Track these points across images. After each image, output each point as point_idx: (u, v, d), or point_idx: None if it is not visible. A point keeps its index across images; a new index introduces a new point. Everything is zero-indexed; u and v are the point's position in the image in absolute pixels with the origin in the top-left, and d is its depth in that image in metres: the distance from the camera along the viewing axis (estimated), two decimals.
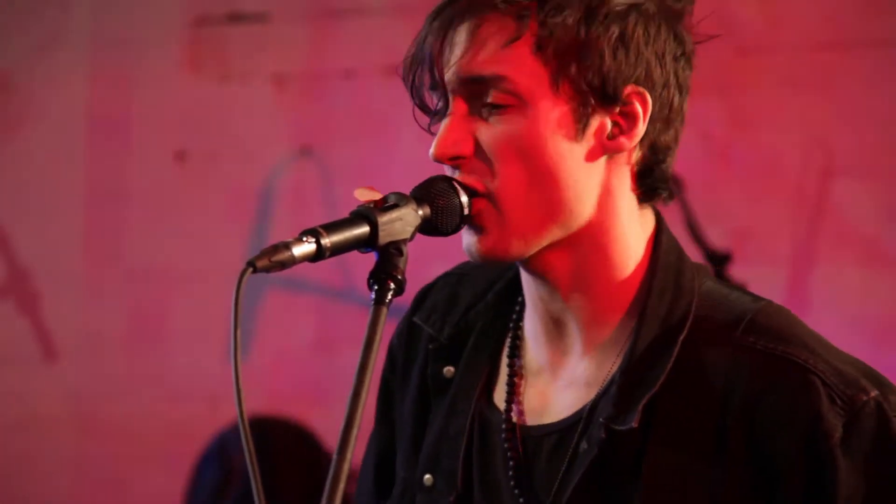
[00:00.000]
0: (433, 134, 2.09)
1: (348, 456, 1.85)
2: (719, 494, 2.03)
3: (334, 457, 1.85)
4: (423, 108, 2.11)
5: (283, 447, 4.16)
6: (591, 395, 2.11)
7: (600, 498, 2.06)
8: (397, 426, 2.30)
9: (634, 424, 2.03)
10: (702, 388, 2.06)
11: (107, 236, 4.94)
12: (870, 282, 4.23)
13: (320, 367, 4.72)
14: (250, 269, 1.93)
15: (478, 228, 2.07)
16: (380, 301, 1.93)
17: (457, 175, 2.06)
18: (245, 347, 4.81)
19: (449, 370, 2.22)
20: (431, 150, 2.07)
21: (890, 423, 2.01)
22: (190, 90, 4.90)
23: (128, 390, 4.88)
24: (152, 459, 4.83)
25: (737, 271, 3.92)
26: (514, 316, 2.22)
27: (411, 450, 2.24)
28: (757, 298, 2.12)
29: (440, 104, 2.09)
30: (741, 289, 2.16)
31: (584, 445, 2.07)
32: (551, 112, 2.04)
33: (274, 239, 4.71)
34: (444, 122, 2.06)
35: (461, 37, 2.05)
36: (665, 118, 2.09)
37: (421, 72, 2.08)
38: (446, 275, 2.32)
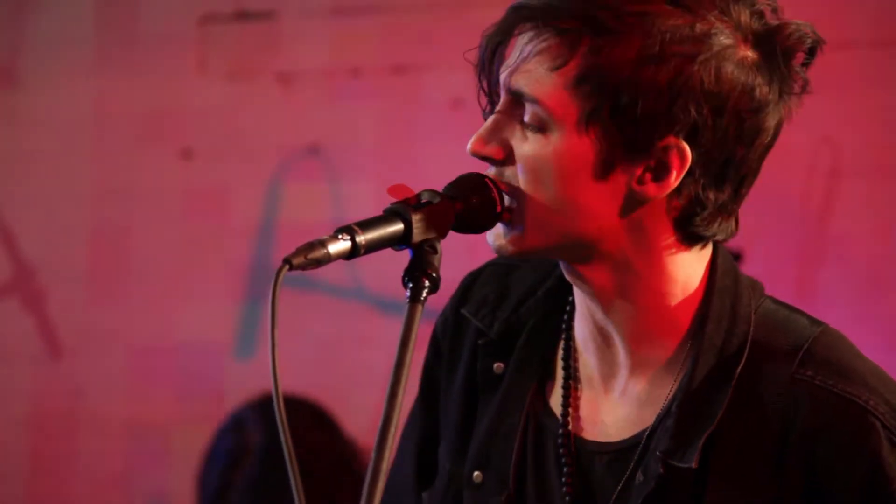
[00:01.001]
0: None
1: (387, 454, 1.84)
2: None
3: (373, 454, 1.84)
4: (490, 99, 2.08)
5: (301, 423, 4.18)
6: (645, 416, 2.08)
7: None
8: (442, 415, 2.28)
9: (694, 465, 2.00)
10: (759, 422, 2.02)
11: (113, 235, 4.93)
12: (877, 282, 4.22)
13: (328, 366, 4.71)
14: (287, 267, 1.92)
15: (504, 221, 2.05)
16: (415, 299, 1.92)
17: (489, 172, 2.05)
18: (249, 345, 4.80)
19: (499, 366, 2.20)
20: (468, 145, 2.06)
21: None
22: (196, 88, 4.89)
23: (133, 388, 4.88)
24: (158, 457, 4.82)
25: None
26: (566, 317, 2.19)
27: (458, 443, 2.22)
28: (814, 322, 2.08)
29: (496, 95, 2.06)
30: (797, 310, 2.11)
31: (640, 477, 2.04)
32: (577, 147, 1.98)
33: (280, 239, 4.73)
34: (489, 120, 2.05)
35: (520, 42, 2.02)
36: (716, 176, 2.00)
37: (488, 60, 2.06)
38: (493, 264, 2.29)
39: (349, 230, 1.94)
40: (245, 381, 4.67)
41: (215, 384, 4.80)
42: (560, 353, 2.18)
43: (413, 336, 1.89)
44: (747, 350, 2.05)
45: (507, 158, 2.03)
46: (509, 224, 2.04)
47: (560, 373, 2.18)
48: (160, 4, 4.93)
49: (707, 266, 2.09)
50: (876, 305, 4.19)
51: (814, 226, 4.31)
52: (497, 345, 2.21)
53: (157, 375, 4.86)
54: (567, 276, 2.11)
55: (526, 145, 2.01)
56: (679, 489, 2.02)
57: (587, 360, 2.16)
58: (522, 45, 2.01)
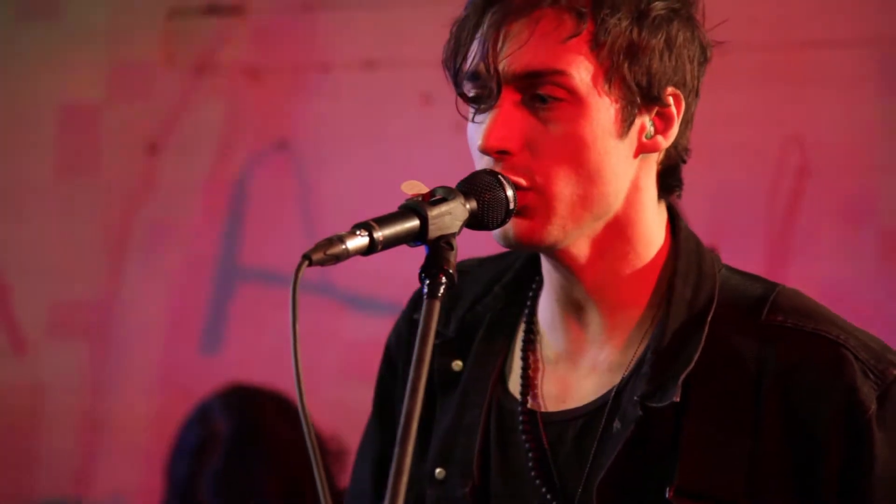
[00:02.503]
0: (476, 122, 2.11)
1: (409, 449, 1.84)
2: (758, 468, 2.05)
3: (395, 450, 1.84)
4: (464, 96, 2.14)
5: (267, 414, 4.19)
6: (615, 379, 2.13)
7: (636, 477, 2.08)
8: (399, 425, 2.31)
9: (676, 399, 2.06)
10: (734, 365, 2.09)
11: (78, 228, 4.91)
12: (843, 281, 4.24)
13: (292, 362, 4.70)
14: (306, 263, 1.95)
15: (519, 213, 2.08)
16: (433, 295, 1.94)
17: (499, 168, 2.08)
18: (215, 341, 4.80)
19: (457, 364, 2.24)
20: (479, 143, 2.09)
21: None
22: (164, 82, 4.88)
23: (98, 383, 4.86)
24: (123, 453, 4.81)
25: None
26: (528, 304, 2.24)
27: (417, 446, 2.18)
28: (771, 283, 2.18)
29: (482, 94, 2.11)
30: (755, 275, 2.21)
31: (617, 425, 2.09)
32: (602, 110, 2.07)
33: (247, 234, 4.73)
34: (493, 114, 2.08)
35: (519, 30, 2.07)
36: (687, 121, 2.15)
37: (469, 60, 2.11)
38: None
39: (367, 226, 1.96)
40: (211, 376, 4.67)
41: (181, 379, 4.79)
42: (519, 339, 2.23)
43: (432, 332, 1.90)
44: (715, 302, 2.13)
45: (524, 149, 2.08)
46: (526, 216, 2.08)
47: (519, 357, 2.22)
48: None
49: (666, 226, 2.19)
50: (841, 304, 4.21)
51: (781, 224, 4.33)
52: (454, 343, 2.26)
53: (123, 370, 4.85)
54: (550, 260, 2.16)
55: (546, 124, 2.07)
56: (658, 433, 2.07)
57: (554, 340, 2.20)
58: (522, 30, 2.07)
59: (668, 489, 2.04)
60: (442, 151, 4.58)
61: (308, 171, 4.77)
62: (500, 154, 2.08)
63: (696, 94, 2.16)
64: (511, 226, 2.09)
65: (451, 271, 1.95)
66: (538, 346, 2.22)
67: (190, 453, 4.11)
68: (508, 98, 2.08)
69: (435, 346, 2.19)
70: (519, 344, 2.24)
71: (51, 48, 4.95)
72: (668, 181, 2.18)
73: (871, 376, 2.07)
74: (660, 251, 2.16)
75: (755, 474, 2.05)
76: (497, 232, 2.11)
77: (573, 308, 2.17)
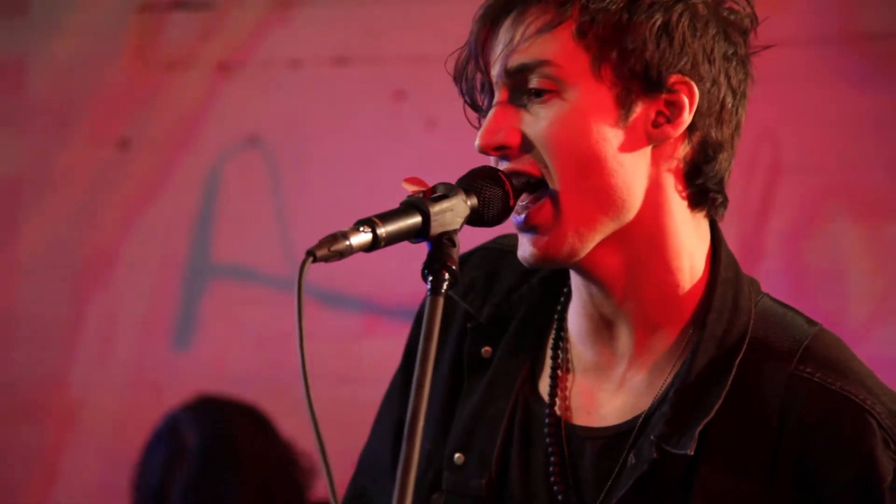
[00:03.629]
0: (480, 127, 2.10)
1: (417, 444, 1.85)
2: None
3: (403, 445, 1.85)
4: (475, 107, 2.14)
5: (236, 426, 4.18)
6: (641, 404, 2.11)
7: None
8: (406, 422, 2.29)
9: (690, 452, 2.03)
10: (756, 414, 2.06)
11: (48, 224, 4.90)
12: (817, 279, 4.25)
13: (267, 359, 4.71)
14: (310, 259, 1.93)
15: (532, 229, 2.08)
16: (436, 291, 1.93)
17: (503, 165, 2.08)
18: (187, 337, 4.79)
19: (487, 350, 2.22)
20: (477, 141, 2.09)
21: None
22: (134, 77, 4.87)
23: (69, 378, 4.85)
24: (93, 449, 4.80)
25: None
26: (559, 307, 2.22)
27: (440, 424, 2.23)
28: (810, 322, 2.13)
29: (488, 102, 2.11)
30: (794, 309, 2.16)
31: (632, 460, 2.07)
32: (593, 96, 2.05)
33: (218, 228, 4.73)
34: (489, 113, 2.08)
35: (505, 29, 2.08)
36: (717, 116, 2.09)
37: (472, 71, 2.11)
38: (484, 248, 2.32)
39: (370, 223, 1.95)
40: (182, 372, 4.67)
41: (153, 376, 4.78)
42: (550, 342, 2.21)
43: (436, 329, 1.90)
44: (746, 343, 2.09)
45: (522, 145, 2.08)
46: (533, 227, 2.08)
47: (549, 361, 2.20)
48: None
49: (708, 252, 2.14)
50: (815, 303, 4.23)
51: (753, 221, 4.34)
52: (486, 329, 2.24)
53: (94, 366, 4.85)
54: (578, 273, 2.14)
55: (539, 117, 2.06)
56: (671, 475, 2.05)
57: (581, 351, 2.18)
58: (508, 30, 2.08)
59: None
60: (413, 148, 4.59)
61: (279, 167, 4.77)
62: (498, 150, 2.08)
63: (734, 93, 2.09)
64: (527, 244, 2.09)
65: (453, 268, 1.94)
66: (569, 353, 2.20)
67: (160, 466, 4.09)
68: (503, 97, 2.08)
69: (467, 329, 2.24)
70: (550, 346, 2.21)
71: (19, 42, 4.94)
72: (698, 184, 2.11)
73: (893, 446, 2.04)
74: (700, 278, 2.12)
75: None
76: (518, 253, 2.11)
77: (603, 322, 2.15)
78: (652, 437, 2.06)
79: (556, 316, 2.22)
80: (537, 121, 2.06)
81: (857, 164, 4.27)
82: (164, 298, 4.81)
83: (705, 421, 2.04)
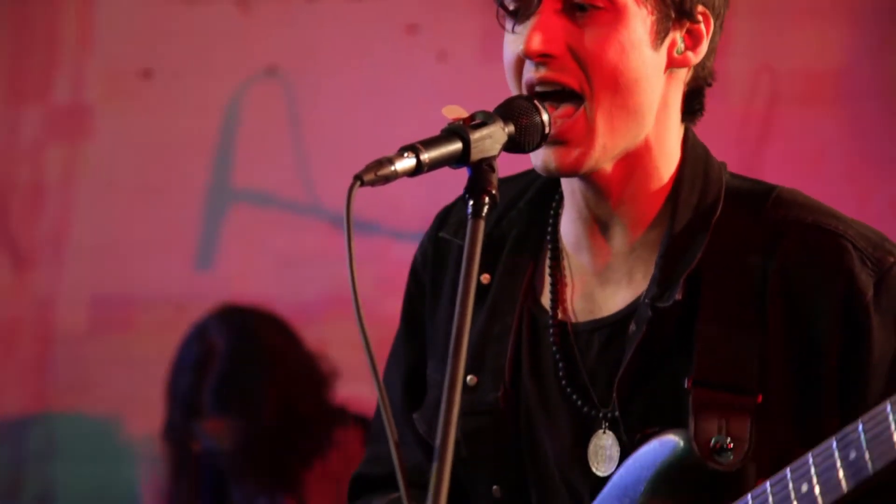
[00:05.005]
0: (515, 34, 2.16)
1: (462, 360, 1.88)
2: (767, 361, 2.14)
3: (449, 361, 1.88)
4: (504, 8, 2.18)
5: (261, 329, 4.34)
6: (640, 288, 2.21)
7: (652, 372, 2.17)
8: (428, 342, 2.37)
9: (678, 297, 2.14)
10: (740, 262, 2.17)
11: (73, 149, 4.96)
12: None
13: (285, 280, 4.80)
14: (358, 183, 1.96)
15: (560, 143, 2.15)
16: (477, 214, 1.97)
17: (540, 72, 2.15)
18: (209, 258, 4.89)
19: (485, 277, 2.30)
20: (520, 47, 2.15)
21: None
22: (156, 9, 4.91)
23: (94, 297, 4.94)
24: (119, 364, 4.89)
25: None
26: (551, 223, 2.30)
27: (447, 355, 2.28)
28: (773, 185, 2.25)
29: (521, 4, 2.15)
30: (757, 180, 2.28)
31: (632, 328, 2.18)
32: (639, 19, 2.15)
33: (238, 156, 4.76)
34: (533, 20, 2.15)
35: None
36: (713, 45, 2.22)
37: None
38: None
39: (413, 149, 2.00)
40: (204, 290, 4.76)
41: (175, 294, 4.87)
42: (548, 259, 2.30)
43: (477, 250, 1.95)
44: (721, 205, 2.21)
45: (566, 56, 2.15)
46: (562, 141, 2.15)
47: (547, 272, 2.29)
48: None
49: (682, 143, 2.26)
50: None
51: (751, 149, 4.43)
52: (482, 258, 2.27)
53: (118, 285, 4.93)
54: (577, 184, 2.22)
55: (587, 30, 2.14)
56: (669, 329, 2.16)
57: (579, 256, 2.27)
58: None
59: (686, 380, 2.13)
60: (425, 80, 4.65)
61: (296, 97, 4.82)
62: (542, 58, 2.14)
63: (721, 26, 2.22)
64: (553, 156, 2.16)
65: (493, 192, 1.99)
66: (565, 263, 2.28)
67: (190, 369, 4.26)
68: (549, 6, 2.14)
69: (460, 260, 2.26)
70: (546, 261, 2.29)
71: None
72: (692, 104, 2.24)
73: (869, 264, 2.14)
74: (676, 166, 2.23)
75: (765, 367, 2.13)
76: (538, 162, 2.17)
77: (598, 225, 2.24)
78: (646, 301, 2.17)
79: (548, 229, 2.30)
80: (586, 35, 2.14)
81: (854, 97, 4.33)
82: (184, 220, 4.88)
83: (687, 272, 2.15)
